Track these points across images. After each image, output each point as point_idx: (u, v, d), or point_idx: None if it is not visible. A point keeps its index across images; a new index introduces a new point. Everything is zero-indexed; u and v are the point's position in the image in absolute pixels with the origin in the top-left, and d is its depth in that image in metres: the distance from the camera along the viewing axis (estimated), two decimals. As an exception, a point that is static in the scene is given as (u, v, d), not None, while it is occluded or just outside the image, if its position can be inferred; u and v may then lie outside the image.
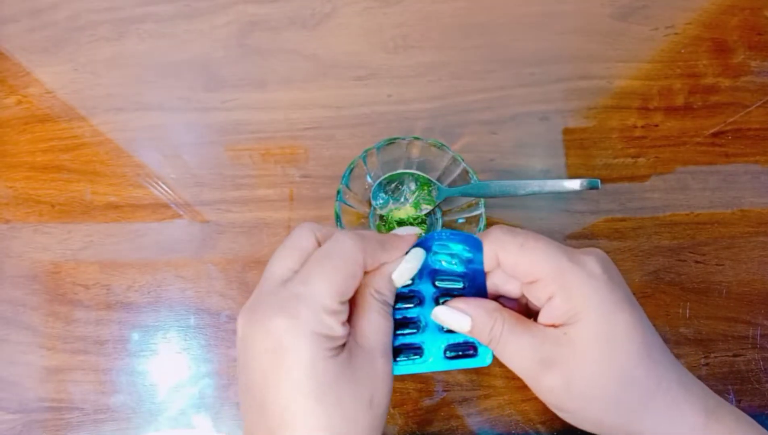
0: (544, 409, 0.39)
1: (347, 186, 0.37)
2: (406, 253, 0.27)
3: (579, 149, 0.42)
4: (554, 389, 0.25)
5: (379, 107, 0.43)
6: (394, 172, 0.40)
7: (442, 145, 0.36)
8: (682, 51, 0.44)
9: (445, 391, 0.39)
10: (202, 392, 0.40)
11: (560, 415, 0.27)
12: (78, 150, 0.43)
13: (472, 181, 0.37)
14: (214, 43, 0.44)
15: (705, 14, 0.44)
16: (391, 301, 0.27)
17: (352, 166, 0.36)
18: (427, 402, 0.39)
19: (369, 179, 0.39)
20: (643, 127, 0.43)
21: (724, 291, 0.40)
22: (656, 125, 0.43)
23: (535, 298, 0.26)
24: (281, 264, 0.26)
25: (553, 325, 0.26)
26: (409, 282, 0.28)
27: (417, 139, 0.37)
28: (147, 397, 0.40)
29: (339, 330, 0.24)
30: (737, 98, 0.43)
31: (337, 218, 0.36)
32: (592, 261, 0.25)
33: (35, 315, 0.41)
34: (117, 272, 0.41)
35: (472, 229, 0.37)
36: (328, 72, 0.43)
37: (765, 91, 0.43)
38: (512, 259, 0.26)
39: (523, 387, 0.39)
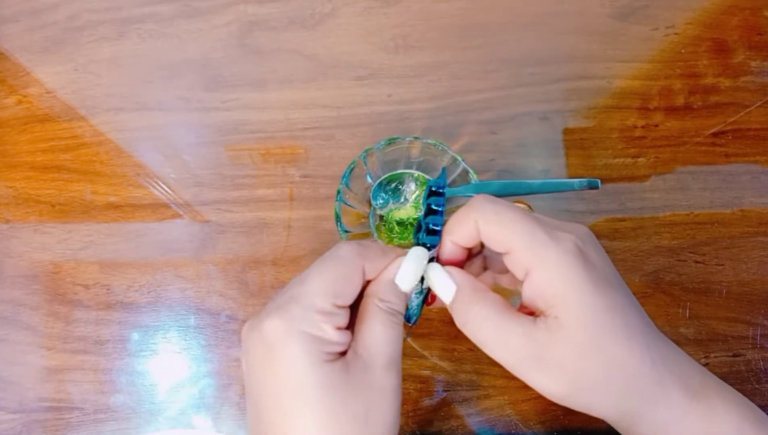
0: (544, 410, 0.39)
1: (347, 186, 0.37)
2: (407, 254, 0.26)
3: (579, 149, 0.42)
4: (542, 379, 0.24)
5: (379, 107, 0.43)
6: (394, 172, 0.40)
7: (442, 145, 0.36)
8: (682, 51, 0.44)
9: (445, 391, 0.39)
10: (202, 392, 0.40)
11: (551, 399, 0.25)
12: (78, 150, 0.43)
13: (472, 181, 0.37)
14: (214, 43, 0.44)
15: (705, 14, 0.44)
16: (401, 309, 0.25)
17: (352, 166, 0.36)
18: (427, 402, 0.39)
19: (369, 179, 0.39)
20: (643, 127, 0.43)
21: (724, 291, 0.40)
22: (656, 125, 0.43)
23: (514, 270, 0.25)
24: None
25: (534, 311, 0.25)
26: (418, 286, 0.27)
27: (417, 139, 0.37)
28: (147, 397, 0.40)
29: (331, 334, 0.23)
30: (737, 98, 0.43)
31: (337, 218, 0.36)
32: (568, 238, 0.24)
33: (35, 315, 0.41)
34: (117, 272, 0.41)
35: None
36: (328, 72, 0.43)
37: (765, 91, 0.43)
38: (488, 226, 0.25)
39: (523, 387, 0.39)
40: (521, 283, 0.25)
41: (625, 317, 0.24)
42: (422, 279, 0.27)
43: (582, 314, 0.23)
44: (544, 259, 0.23)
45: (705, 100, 0.43)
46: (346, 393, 0.23)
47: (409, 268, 0.25)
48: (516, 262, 0.24)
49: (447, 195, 0.38)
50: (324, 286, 0.24)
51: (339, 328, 0.24)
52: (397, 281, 0.25)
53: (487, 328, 0.24)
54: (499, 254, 0.26)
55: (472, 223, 0.25)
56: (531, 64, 0.43)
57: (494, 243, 0.25)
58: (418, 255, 0.26)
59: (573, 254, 0.23)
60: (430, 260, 0.27)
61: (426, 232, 0.27)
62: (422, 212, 0.30)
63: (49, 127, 0.43)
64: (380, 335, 0.24)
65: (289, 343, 0.23)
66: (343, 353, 0.24)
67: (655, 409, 0.23)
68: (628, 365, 0.23)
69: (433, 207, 0.28)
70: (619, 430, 0.25)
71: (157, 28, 0.44)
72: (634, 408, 0.24)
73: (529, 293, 0.24)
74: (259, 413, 0.24)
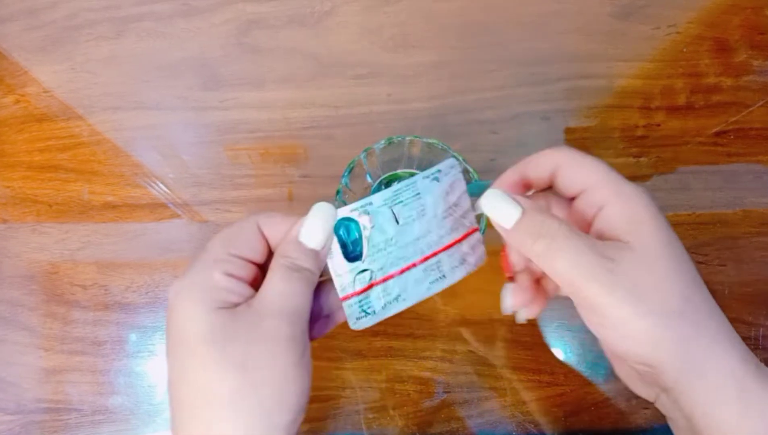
0: (546, 411, 0.39)
1: (347, 185, 0.36)
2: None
3: (580, 148, 0.42)
4: (612, 298, 0.22)
5: (379, 106, 0.42)
6: (394, 172, 0.39)
7: (443, 144, 0.36)
8: (684, 50, 0.43)
9: (446, 392, 0.39)
10: (201, 393, 0.40)
11: (605, 334, 0.24)
12: (75, 149, 0.43)
13: (473, 181, 0.36)
14: (212, 41, 0.44)
15: (706, 13, 0.44)
16: (309, 265, 0.25)
17: (351, 165, 0.36)
18: (427, 403, 0.39)
19: (369, 179, 0.39)
20: (644, 126, 0.42)
21: (726, 291, 0.40)
22: (658, 125, 0.42)
23: (585, 210, 0.25)
24: None
25: (605, 236, 0.24)
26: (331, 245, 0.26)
27: (417, 138, 0.36)
28: (145, 399, 0.40)
29: (218, 278, 0.24)
30: (739, 98, 0.43)
31: (337, 218, 0.36)
32: (639, 186, 0.25)
33: (33, 315, 0.41)
34: (115, 272, 0.41)
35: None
36: (327, 71, 0.43)
37: (767, 90, 0.43)
38: (572, 164, 0.25)
39: (524, 389, 0.39)
40: (587, 223, 0.25)
41: (692, 263, 0.24)
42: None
43: (657, 240, 0.23)
44: (621, 193, 0.24)
45: (707, 100, 0.43)
46: (226, 339, 0.23)
47: (313, 224, 0.25)
48: (591, 198, 0.25)
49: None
50: (218, 239, 0.25)
51: (230, 275, 0.24)
52: (302, 238, 0.25)
53: (560, 239, 0.23)
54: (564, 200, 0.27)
55: (551, 162, 0.26)
56: (532, 64, 0.43)
57: (572, 181, 0.26)
58: (321, 209, 0.26)
59: (647, 194, 0.24)
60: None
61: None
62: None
63: (47, 126, 0.43)
64: (276, 287, 0.24)
65: (181, 296, 0.24)
66: (236, 306, 0.24)
67: (720, 366, 0.22)
68: (701, 306, 0.23)
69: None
70: (670, 400, 0.23)
71: (156, 26, 0.44)
72: (700, 361, 0.22)
73: (601, 226, 0.25)
74: (167, 376, 0.24)
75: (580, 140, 0.42)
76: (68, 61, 0.44)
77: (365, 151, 0.36)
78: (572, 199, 0.27)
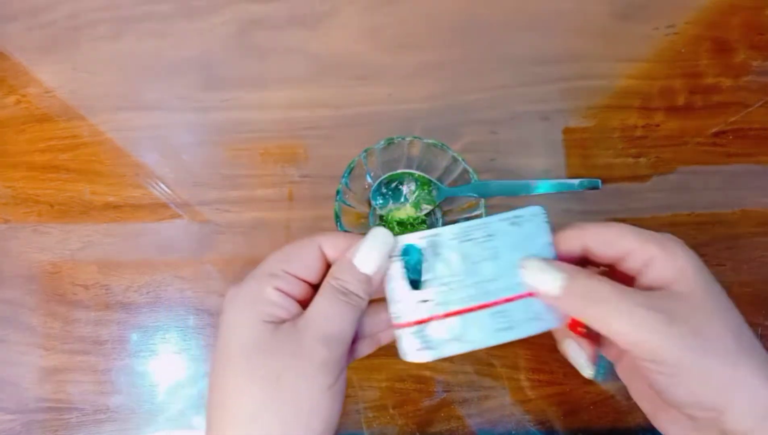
0: (545, 409, 0.39)
1: (347, 186, 0.37)
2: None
3: (580, 149, 0.42)
4: (673, 347, 0.22)
5: (379, 106, 0.43)
6: (394, 172, 0.40)
7: (443, 144, 0.36)
8: (683, 50, 0.43)
9: (446, 391, 0.39)
10: (202, 393, 0.40)
11: (665, 382, 0.23)
12: (77, 150, 0.43)
13: (473, 181, 0.36)
14: (213, 42, 0.44)
15: (705, 13, 0.44)
16: (358, 290, 0.25)
17: (352, 165, 0.36)
18: (427, 402, 0.39)
19: (369, 179, 0.39)
20: (644, 126, 0.42)
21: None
22: (657, 125, 0.42)
23: (630, 270, 0.26)
24: None
25: (652, 288, 0.25)
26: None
27: (417, 138, 0.36)
28: (146, 398, 0.40)
29: (269, 292, 0.24)
30: (739, 98, 0.43)
31: (337, 218, 0.36)
32: (668, 234, 0.25)
33: (34, 315, 0.41)
34: (116, 272, 0.41)
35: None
36: (327, 71, 0.43)
37: (766, 90, 0.43)
38: (601, 238, 0.25)
39: (524, 387, 0.40)
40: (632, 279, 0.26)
41: (729, 299, 0.25)
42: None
43: (701, 283, 0.24)
44: (664, 246, 0.24)
45: (706, 100, 0.43)
46: (262, 353, 0.23)
47: (368, 249, 0.25)
48: (635, 259, 0.25)
49: (447, 195, 0.38)
50: (276, 254, 0.26)
51: (281, 291, 0.25)
52: (356, 262, 0.25)
53: (614, 301, 0.23)
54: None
55: (577, 244, 0.26)
56: (531, 64, 0.43)
57: (613, 250, 0.26)
58: (379, 235, 0.26)
59: (679, 239, 0.25)
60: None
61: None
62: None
63: (48, 126, 0.43)
64: (320, 308, 0.25)
65: (231, 304, 0.25)
66: (282, 322, 0.25)
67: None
68: (752, 342, 0.23)
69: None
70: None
71: (156, 27, 0.44)
72: (763, 399, 0.23)
73: (647, 280, 0.25)
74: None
75: (579, 140, 0.42)
76: (69, 61, 0.44)
77: (365, 151, 0.36)
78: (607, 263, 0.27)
